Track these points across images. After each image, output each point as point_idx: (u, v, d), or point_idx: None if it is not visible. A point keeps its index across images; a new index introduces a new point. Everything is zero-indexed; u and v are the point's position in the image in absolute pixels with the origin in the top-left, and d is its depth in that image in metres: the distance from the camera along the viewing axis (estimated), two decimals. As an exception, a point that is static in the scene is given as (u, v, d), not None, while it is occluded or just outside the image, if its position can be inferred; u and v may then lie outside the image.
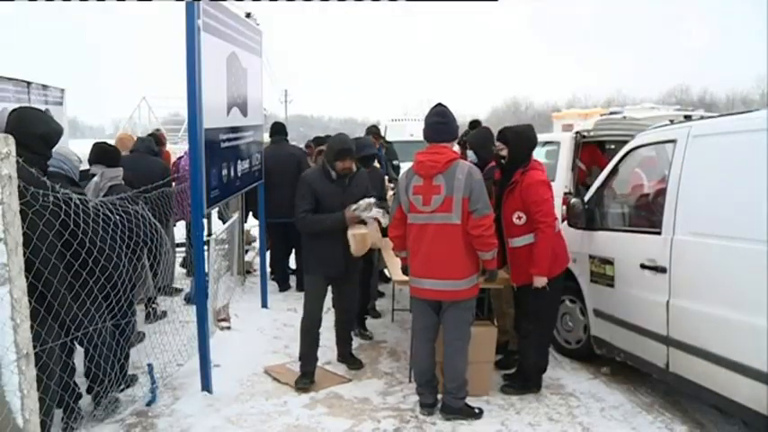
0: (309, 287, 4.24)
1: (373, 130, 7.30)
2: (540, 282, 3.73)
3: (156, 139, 6.59)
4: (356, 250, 3.97)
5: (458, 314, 3.56)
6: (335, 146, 4.02)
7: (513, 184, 3.81)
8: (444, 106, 3.63)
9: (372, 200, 3.99)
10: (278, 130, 6.70)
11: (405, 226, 3.64)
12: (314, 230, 4.03)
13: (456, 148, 4.38)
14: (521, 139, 3.87)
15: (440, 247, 3.46)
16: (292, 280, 6.69)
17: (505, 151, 3.88)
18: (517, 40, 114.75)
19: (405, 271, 3.78)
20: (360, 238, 3.95)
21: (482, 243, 3.44)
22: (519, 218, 3.78)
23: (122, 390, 3.78)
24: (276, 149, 6.43)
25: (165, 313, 5.25)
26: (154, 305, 5.23)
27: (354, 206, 3.92)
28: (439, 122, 3.56)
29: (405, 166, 7.79)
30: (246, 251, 7.22)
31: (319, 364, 4.46)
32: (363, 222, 4.01)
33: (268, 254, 6.39)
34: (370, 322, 5.37)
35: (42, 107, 6.39)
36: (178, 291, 5.98)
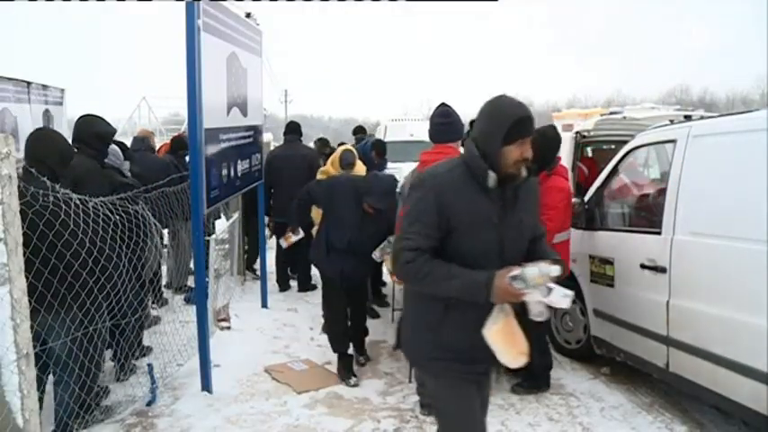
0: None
1: (378, 146, 6.83)
2: None
3: (184, 143, 6.53)
4: (502, 355, 2.05)
5: None
6: (509, 112, 2.00)
7: None
8: (448, 106, 3.63)
9: (554, 269, 1.93)
10: (292, 129, 6.65)
11: None
12: (423, 288, 2.07)
13: None
14: (544, 139, 3.81)
15: None
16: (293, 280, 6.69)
17: (529, 152, 3.88)
18: (517, 40, 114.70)
19: None
20: (499, 337, 2.02)
21: None
22: None
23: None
24: (288, 149, 6.45)
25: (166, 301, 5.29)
26: (154, 305, 5.23)
27: (517, 271, 1.90)
28: (443, 123, 3.57)
29: (404, 166, 7.81)
30: (246, 251, 7.20)
31: (319, 363, 4.47)
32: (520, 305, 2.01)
33: (269, 254, 6.38)
34: (369, 322, 5.35)
35: (42, 107, 6.41)
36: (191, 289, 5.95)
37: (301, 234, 4.64)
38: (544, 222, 3.71)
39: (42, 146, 3.07)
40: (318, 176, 5.37)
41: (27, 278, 2.33)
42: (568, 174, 4.09)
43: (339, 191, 4.22)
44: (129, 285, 3.61)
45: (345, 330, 4.34)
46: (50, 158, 3.03)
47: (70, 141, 3.49)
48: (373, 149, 6.81)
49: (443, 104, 3.65)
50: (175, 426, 3.48)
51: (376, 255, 4.22)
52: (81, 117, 3.83)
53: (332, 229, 4.21)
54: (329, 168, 5.32)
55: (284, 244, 4.83)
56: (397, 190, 4.22)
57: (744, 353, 3.04)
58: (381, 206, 4.06)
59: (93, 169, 3.55)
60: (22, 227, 2.28)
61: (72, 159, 3.20)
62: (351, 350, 4.37)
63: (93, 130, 3.67)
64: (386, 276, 6.05)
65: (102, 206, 3.17)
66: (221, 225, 6.55)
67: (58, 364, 3.04)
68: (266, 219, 6.36)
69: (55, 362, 3.04)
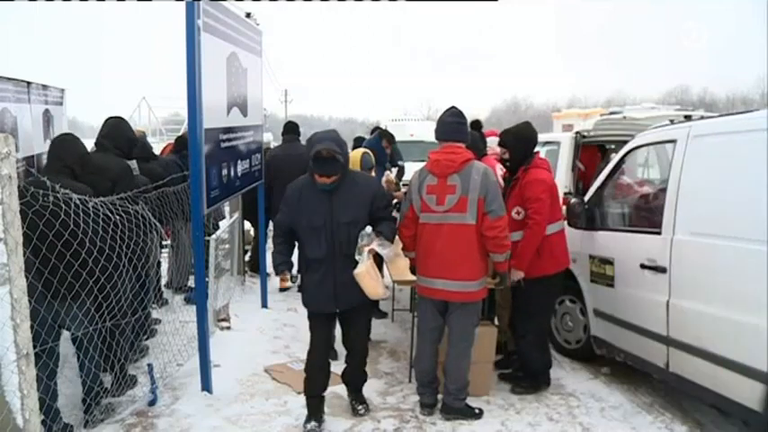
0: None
1: (386, 135, 6.93)
2: (517, 275, 3.78)
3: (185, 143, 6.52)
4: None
5: (465, 317, 3.55)
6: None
7: (515, 180, 3.91)
8: (459, 109, 3.64)
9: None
10: (290, 129, 6.65)
11: (416, 226, 3.59)
12: None
13: None
14: (518, 140, 3.98)
15: (455, 247, 3.43)
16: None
17: (507, 155, 3.96)
18: (517, 40, 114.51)
19: (413, 272, 3.73)
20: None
21: (496, 245, 3.43)
22: (518, 213, 3.86)
23: (123, 392, 3.79)
24: (287, 149, 6.45)
25: (166, 301, 5.28)
26: (154, 306, 5.23)
27: None
28: (458, 122, 3.58)
29: (405, 166, 7.81)
30: (246, 251, 7.21)
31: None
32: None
33: (268, 254, 6.36)
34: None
35: (42, 107, 6.39)
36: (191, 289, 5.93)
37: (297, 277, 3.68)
38: (531, 216, 3.76)
39: (67, 148, 3.43)
40: None
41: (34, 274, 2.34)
42: (549, 165, 4.08)
43: (304, 194, 3.43)
44: (129, 285, 3.63)
45: (324, 365, 3.54)
46: (72, 160, 3.38)
47: (92, 141, 3.99)
48: (383, 139, 6.83)
49: (454, 107, 3.65)
50: (175, 426, 3.48)
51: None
52: (113, 119, 4.23)
53: (305, 243, 3.42)
54: None
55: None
56: (403, 191, 4.14)
57: (744, 353, 3.04)
58: (326, 147, 3.20)
59: (126, 168, 3.99)
60: (22, 227, 2.28)
61: (89, 164, 3.50)
62: (326, 391, 3.58)
63: (127, 135, 4.20)
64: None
65: (102, 206, 3.19)
66: (223, 225, 6.56)
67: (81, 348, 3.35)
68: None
69: (78, 347, 3.37)
